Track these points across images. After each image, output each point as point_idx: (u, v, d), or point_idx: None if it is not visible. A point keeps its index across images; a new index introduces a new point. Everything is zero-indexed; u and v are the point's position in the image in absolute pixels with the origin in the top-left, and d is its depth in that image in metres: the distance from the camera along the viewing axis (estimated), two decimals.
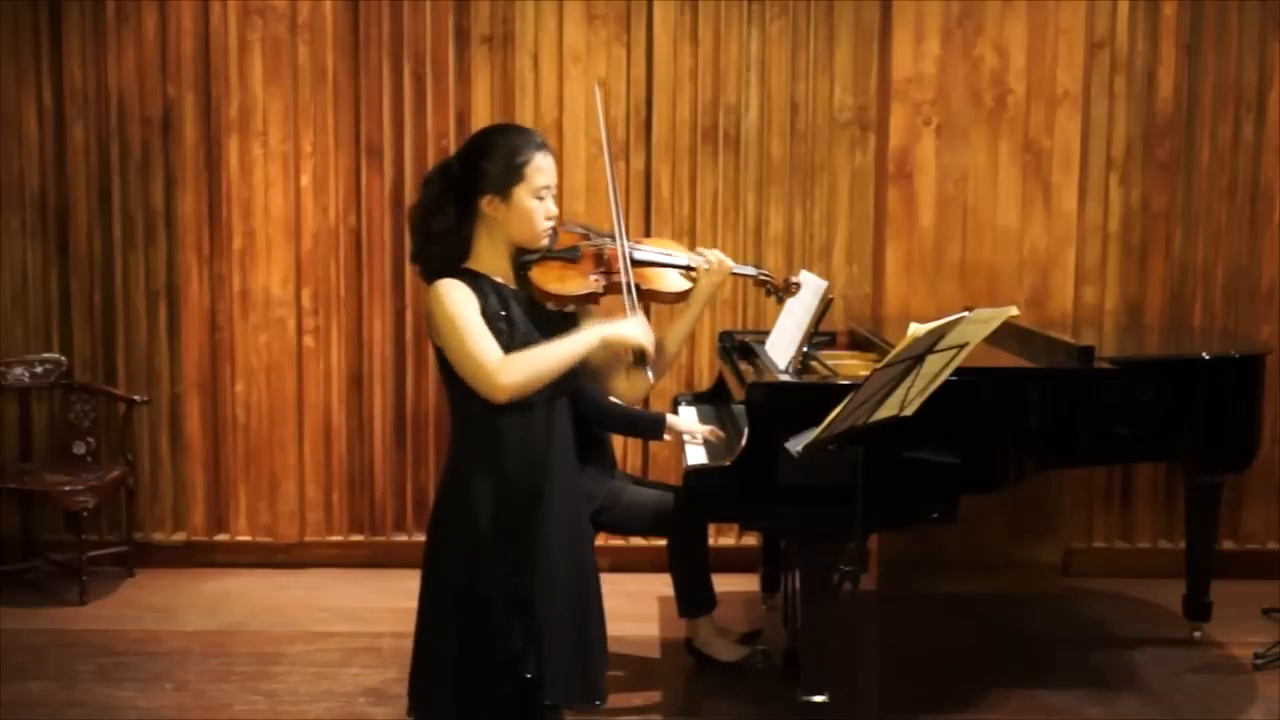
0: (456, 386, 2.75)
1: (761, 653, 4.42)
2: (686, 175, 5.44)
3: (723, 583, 4.55)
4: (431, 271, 2.78)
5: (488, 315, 2.71)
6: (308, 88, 5.40)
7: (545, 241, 2.81)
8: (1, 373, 5.29)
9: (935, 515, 3.66)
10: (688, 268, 2.98)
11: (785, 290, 3.26)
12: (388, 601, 5.08)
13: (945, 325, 3.02)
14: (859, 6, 5.37)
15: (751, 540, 5.29)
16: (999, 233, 5.21)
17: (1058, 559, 5.35)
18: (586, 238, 2.92)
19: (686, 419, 4.41)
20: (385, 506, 5.57)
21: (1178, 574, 4.83)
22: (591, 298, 2.86)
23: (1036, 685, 4.34)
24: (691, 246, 5.38)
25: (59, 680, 4.36)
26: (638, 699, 4.22)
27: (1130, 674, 4.45)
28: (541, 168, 2.75)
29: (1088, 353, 3.96)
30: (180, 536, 5.59)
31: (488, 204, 2.74)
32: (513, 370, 2.66)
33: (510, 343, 2.71)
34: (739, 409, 3.96)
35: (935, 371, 3.19)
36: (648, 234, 5.40)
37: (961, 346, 3.16)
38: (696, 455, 4.06)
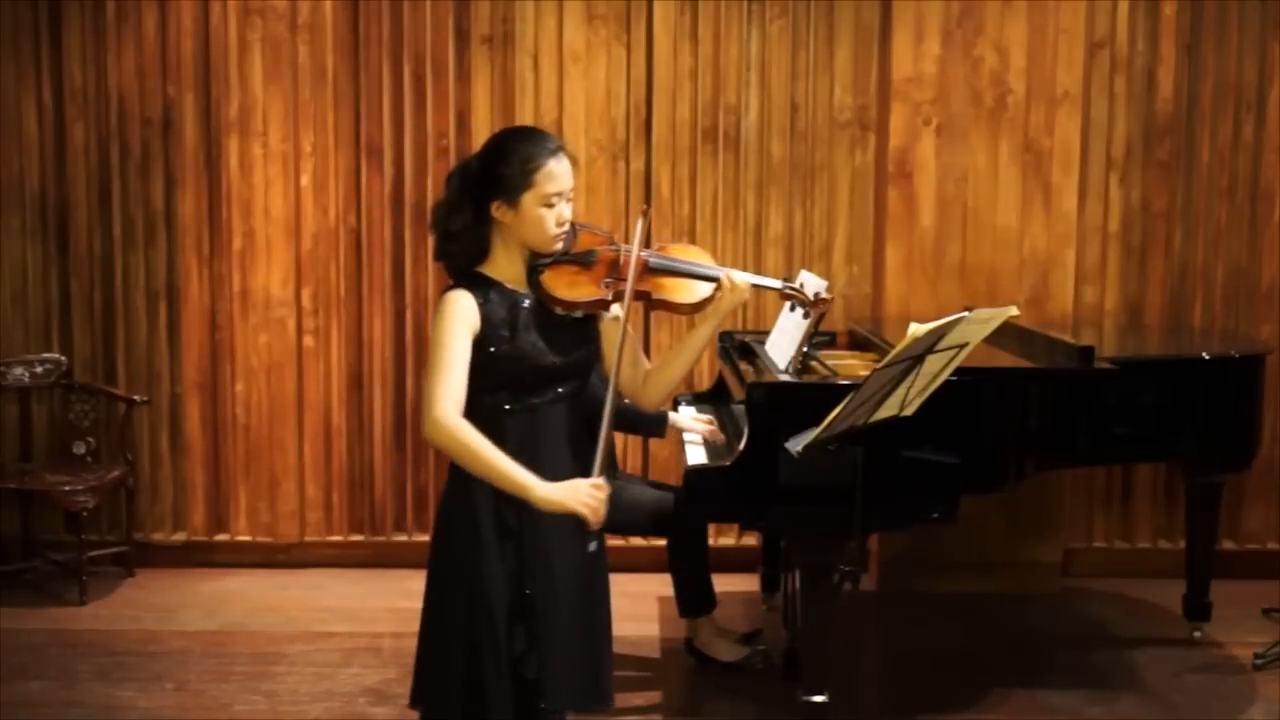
0: (470, 375, 2.74)
1: (761, 653, 4.43)
2: (686, 175, 5.44)
3: (723, 583, 4.55)
4: (452, 270, 2.79)
5: (491, 325, 2.70)
6: (308, 88, 5.40)
7: (559, 246, 2.78)
8: (1, 373, 5.29)
9: (935, 515, 3.66)
10: (709, 278, 2.86)
11: (814, 305, 3.15)
12: (388, 601, 5.08)
13: (945, 325, 3.02)
14: (859, 6, 5.37)
15: (751, 540, 5.29)
16: (999, 233, 5.21)
17: (1057, 559, 5.35)
18: (610, 242, 2.86)
19: (686, 417, 4.41)
20: (385, 506, 5.57)
21: (1178, 574, 4.83)
22: (600, 304, 2.80)
23: (1036, 685, 4.34)
24: None
25: (59, 680, 4.36)
26: (638, 699, 4.22)
27: (1130, 674, 4.45)
28: (554, 174, 2.72)
29: (1088, 353, 3.96)
30: (180, 536, 5.59)
31: (497, 209, 2.74)
32: (448, 427, 2.63)
33: (507, 354, 2.70)
34: (739, 409, 3.95)
35: (935, 371, 3.19)
36: (648, 243, 5.38)
37: (961, 346, 3.16)
38: (696, 455, 4.07)
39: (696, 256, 2.91)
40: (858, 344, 4.70)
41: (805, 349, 3.95)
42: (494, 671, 2.73)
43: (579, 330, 2.81)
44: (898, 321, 4.85)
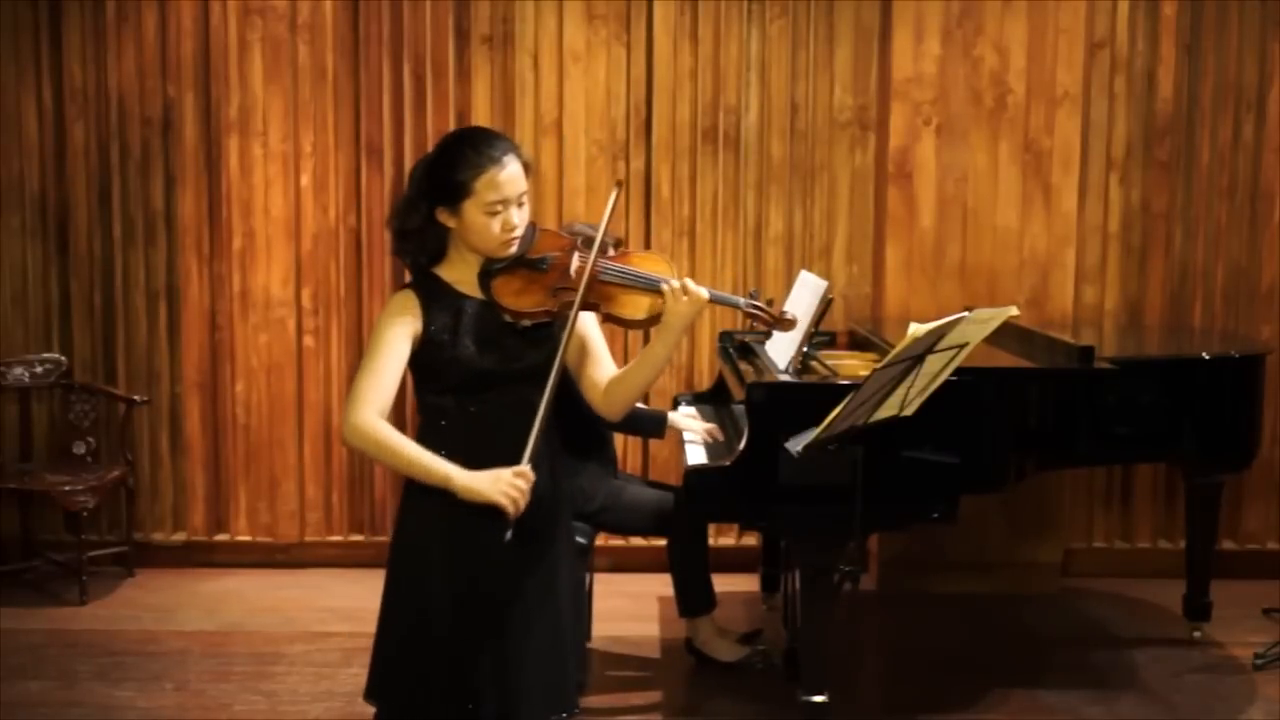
0: (415, 376, 2.73)
1: (761, 653, 4.43)
2: (686, 175, 5.44)
3: (723, 583, 4.55)
4: (412, 268, 2.76)
5: (433, 328, 2.66)
6: (308, 87, 5.40)
7: (512, 250, 2.69)
8: (1, 373, 5.29)
9: (935, 515, 3.66)
10: (652, 290, 2.66)
11: (778, 324, 2.79)
12: None
13: (945, 325, 3.02)
14: (859, 6, 5.37)
15: (751, 540, 5.29)
16: (999, 233, 5.21)
17: (1057, 559, 5.35)
18: (571, 246, 2.72)
19: (685, 418, 4.41)
20: (385, 506, 5.56)
21: (1178, 574, 4.83)
22: (545, 315, 2.67)
23: (1036, 685, 4.34)
24: (692, 248, 5.48)
25: (59, 680, 4.36)
26: (638, 699, 4.22)
27: (1130, 674, 4.45)
28: (495, 182, 2.62)
29: (1088, 353, 3.96)
30: (180, 536, 5.60)
31: (441, 214, 2.68)
32: (364, 430, 2.62)
33: (447, 358, 2.66)
34: (739, 409, 3.95)
35: (935, 371, 3.19)
36: (648, 243, 5.39)
37: (961, 346, 3.16)
38: (696, 455, 4.06)
39: (655, 267, 2.72)
40: (858, 344, 4.70)
41: (805, 349, 3.95)
42: (431, 672, 2.68)
43: (532, 334, 2.71)
44: (898, 321, 4.85)
